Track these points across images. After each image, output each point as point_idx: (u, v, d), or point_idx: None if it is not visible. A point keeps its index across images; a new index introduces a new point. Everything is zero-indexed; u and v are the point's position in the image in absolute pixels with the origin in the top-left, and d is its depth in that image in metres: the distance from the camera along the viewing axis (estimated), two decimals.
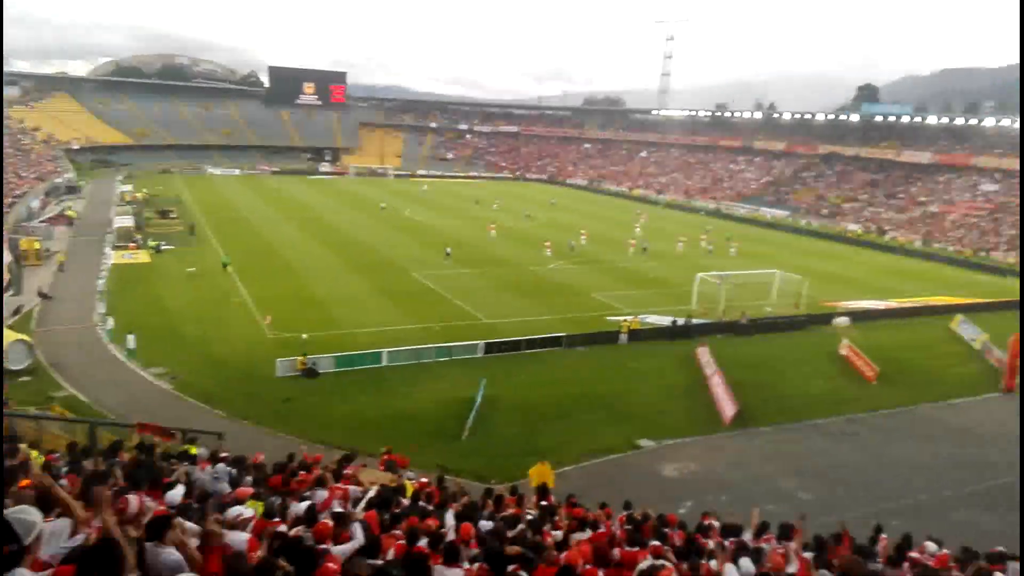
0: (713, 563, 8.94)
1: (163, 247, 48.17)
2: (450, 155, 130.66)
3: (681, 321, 35.54)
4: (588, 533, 9.17)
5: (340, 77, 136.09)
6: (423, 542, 7.45)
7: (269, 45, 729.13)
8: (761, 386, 28.87)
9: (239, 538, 6.09)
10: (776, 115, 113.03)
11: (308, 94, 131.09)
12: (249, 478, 11.04)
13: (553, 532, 9.73)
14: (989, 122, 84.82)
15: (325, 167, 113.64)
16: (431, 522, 9.12)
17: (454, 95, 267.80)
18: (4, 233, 41.50)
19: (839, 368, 31.91)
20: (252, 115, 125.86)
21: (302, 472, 11.89)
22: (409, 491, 12.47)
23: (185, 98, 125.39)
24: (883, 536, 14.19)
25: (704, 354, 31.16)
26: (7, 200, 52.96)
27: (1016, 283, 50.35)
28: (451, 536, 8.27)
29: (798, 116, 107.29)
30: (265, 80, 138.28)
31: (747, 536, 12.28)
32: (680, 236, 61.63)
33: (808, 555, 10.72)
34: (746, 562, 8.44)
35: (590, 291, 42.34)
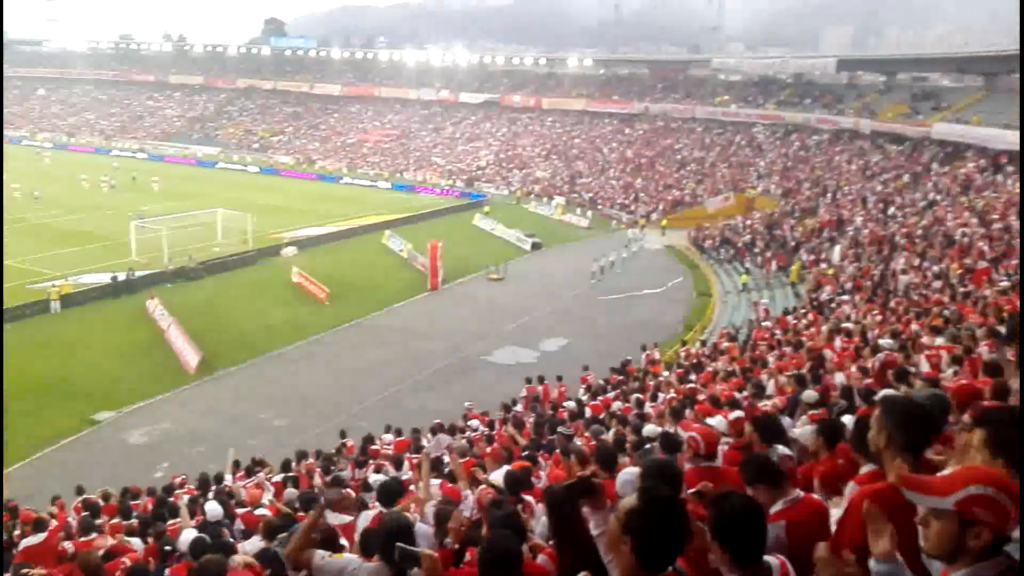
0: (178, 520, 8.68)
1: None
2: None
3: (123, 275, 32.44)
4: (43, 536, 7.91)
5: None
6: None
7: None
8: (222, 328, 28.45)
9: None
10: (188, 47, 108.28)
11: None
12: None
13: None
14: (384, 56, 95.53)
15: None
16: None
17: None
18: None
19: (294, 295, 33.33)
20: None
21: None
22: None
23: None
24: (349, 441, 15.62)
25: (155, 306, 29.22)
26: None
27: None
28: None
29: (211, 48, 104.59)
30: None
31: (228, 478, 12.22)
32: (102, 176, 56.00)
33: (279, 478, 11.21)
34: (212, 506, 8.34)
35: None
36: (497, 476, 7.41)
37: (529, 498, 6.35)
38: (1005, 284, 15.18)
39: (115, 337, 27.29)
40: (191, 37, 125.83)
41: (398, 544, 3.68)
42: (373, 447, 14.22)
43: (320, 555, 4.17)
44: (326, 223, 47.86)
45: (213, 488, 11.88)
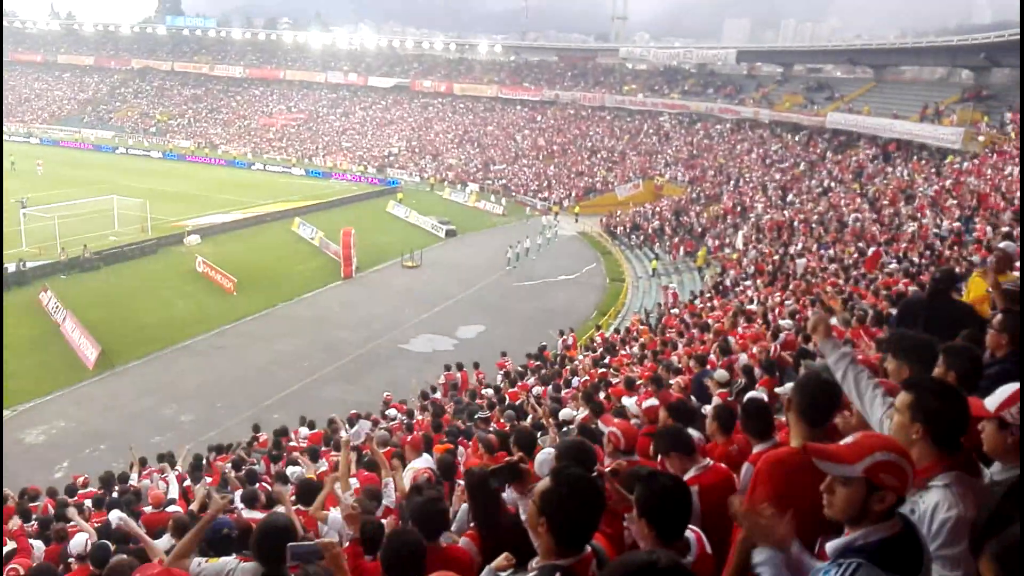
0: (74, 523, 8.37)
1: None
2: None
3: (12, 267, 30.55)
4: None
5: None
6: None
7: None
8: (121, 320, 27.22)
9: None
10: (77, 26, 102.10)
11: None
12: None
13: None
14: (289, 37, 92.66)
15: None
16: None
17: None
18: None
19: (199, 286, 32.15)
20: None
21: None
22: None
23: None
24: (262, 435, 15.28)
25: (49, 299, 27.68)
26: None
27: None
28: None
29: (102, 28, 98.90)
30: None
31: (133, 477, 11.82)
32: None
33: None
34: (114, 515, 8.11)
35: None
36: (417, 463, 7.45)
37: (461, 483, 6.43)
38: (894, 267, 16.18)
39: (7, 332, 25.49)
40: (80, 15, 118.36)
41: (289, 544, 3.62)
42: (287, 440, 13.99)
43: (196, 562, 4.12)
44: (233, 210, 46.29)
45: (117, 488, 11.44)
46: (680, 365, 11.97)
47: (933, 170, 32.58)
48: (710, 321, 16.75)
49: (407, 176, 63.90)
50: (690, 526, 3.10)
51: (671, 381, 9.78)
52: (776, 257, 25.85)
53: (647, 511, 2.93)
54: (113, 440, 18.72)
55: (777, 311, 15.11)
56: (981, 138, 34.25)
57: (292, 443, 13.65)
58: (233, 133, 77.73)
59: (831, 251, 22.92)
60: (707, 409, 6.63)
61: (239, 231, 42.25)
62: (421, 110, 77.36)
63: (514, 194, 57.19)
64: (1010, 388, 2.84)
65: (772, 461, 3.52)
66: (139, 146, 73.15)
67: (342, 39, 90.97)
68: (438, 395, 16.52)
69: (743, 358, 10.88)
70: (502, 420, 11.03)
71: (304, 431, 14.55)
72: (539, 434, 7.59)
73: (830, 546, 2.40)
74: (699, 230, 38.70)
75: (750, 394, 6.61)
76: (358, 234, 35.65)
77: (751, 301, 18.64)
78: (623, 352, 17.24)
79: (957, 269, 11.84)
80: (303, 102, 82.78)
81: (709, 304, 21.76)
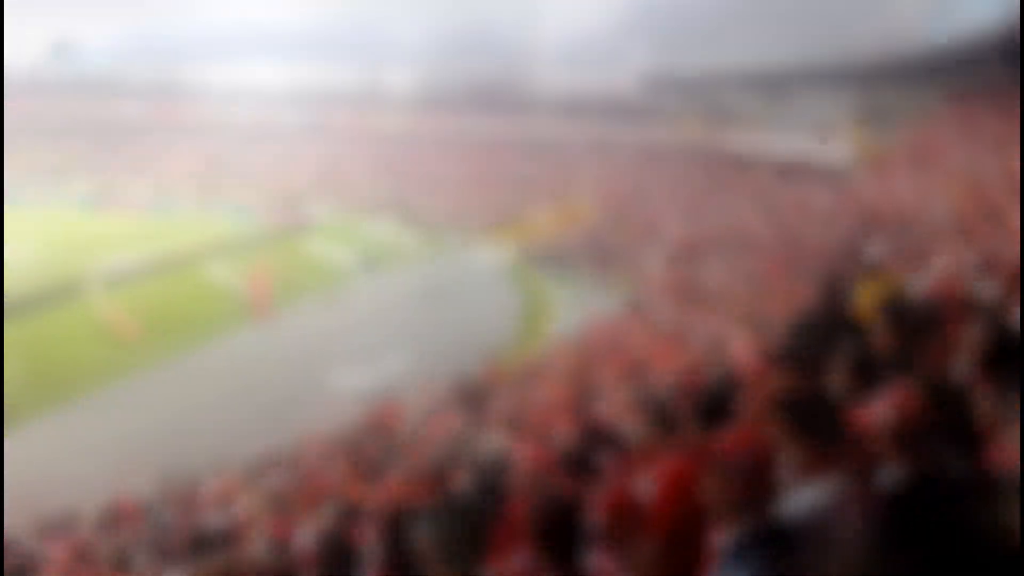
0: None
1: None
2: None
3: None
4: None
5: None
6: None
7: None
8: (12, 378, 25.51)
9: None
10: None
11: None
12: None
13: None
14: (191, 75, 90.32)
15: None
16: None
17: None
18: None
19: (99, 337, 30.57)
20: None
21: None
22: None
23: None
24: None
25: None
26: None
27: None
28: None
29: None
30: None
31: None
32: None
33: None
34: None
35: None
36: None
37: None
38: (800, 280, 16.81)
39: None
40: None
41: None
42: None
43: None
44: (138, 253, 44.39)
45: None
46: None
47: (829, 187, 34.24)
48: (631, 341, 17.01)
49: (322, 211, 62.90)
50: None
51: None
52: (690, 276, 26.61)
53: None
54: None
55: (695, 328, 15.47)
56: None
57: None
58: (135, 175, 74.95)
59: (741, 268, 23.73)
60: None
61: (144, 275, 40.48)
62: (333, 144, 76.50)
63: (433, 225, 56.96)
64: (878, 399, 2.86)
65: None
66: (37, 192, 69.62)
67: (248, 76, 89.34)
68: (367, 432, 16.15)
69: (663, 378, 11.06)
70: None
71: (216, 483, 13.96)
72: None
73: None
74: (618, 252, 39.43)
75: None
76: (273, 273, 34.73)
77: (668, 321, 19.04)
78: (548, 374, 17.29)
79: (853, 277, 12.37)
80: (209, 141, 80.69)
81: (629, 325, 22.12)
